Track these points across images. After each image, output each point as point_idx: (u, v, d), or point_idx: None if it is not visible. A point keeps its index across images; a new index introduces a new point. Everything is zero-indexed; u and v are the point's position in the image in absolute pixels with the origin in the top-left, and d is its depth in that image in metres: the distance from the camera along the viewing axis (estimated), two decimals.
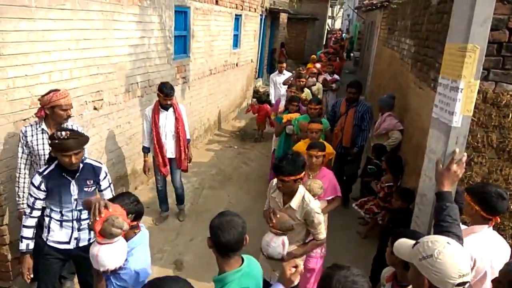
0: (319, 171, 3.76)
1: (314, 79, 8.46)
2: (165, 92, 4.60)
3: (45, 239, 2.94)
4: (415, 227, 2.27)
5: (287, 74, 8.50)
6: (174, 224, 5.13)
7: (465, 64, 1.95)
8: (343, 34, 26.66)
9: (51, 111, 3.26)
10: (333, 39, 24.50)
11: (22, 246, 2.82)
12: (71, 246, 2.94)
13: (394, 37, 7.51)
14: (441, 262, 1.41)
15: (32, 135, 3.30)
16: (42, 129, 3.31)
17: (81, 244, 2.97)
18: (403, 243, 1.65)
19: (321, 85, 8.46)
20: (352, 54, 23.53)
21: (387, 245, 2.29)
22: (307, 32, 21.45)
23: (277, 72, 8.77)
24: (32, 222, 2.86)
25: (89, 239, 3.00)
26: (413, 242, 1.60)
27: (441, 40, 3.97)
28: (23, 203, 3.36)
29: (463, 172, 2.06)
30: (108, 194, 3.02)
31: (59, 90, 3.29)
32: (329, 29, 29.11)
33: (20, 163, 3.34)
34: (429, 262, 1.43)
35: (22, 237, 2.84)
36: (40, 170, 2.83)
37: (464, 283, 1.39)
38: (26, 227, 2.85)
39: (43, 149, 3.30)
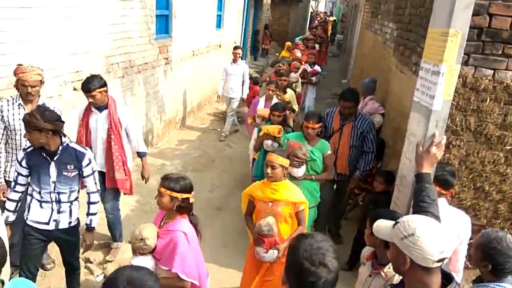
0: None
1: (297, 74, 7.54)
2: (84, 87, 3.53)
3: (25, 218, 2.93)
4: (394, 208, 2.34)
5: (241, 64, 7.71)
6: (156, 207, 5.11)
7: (447, 48, 1.99)
8: (326, 17, 26.48)
9: (17, 85, 3.22)
10: (316, 21, 24.38)
11: (2, 217, 2.78)
12: (50, 227, 2.93)
13: (377, 20, 7.53)
14: (422, 240, 1.46)
15: (9, 110, 3.25)
16: (19, 103, 3.26)
17: (60, 227, 2.95)
18: (383, 224, 1.70)
19: (299, 77, 7.55)
20: (336, 38, 23.51)
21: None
22: (291, 14, 21.25)
23: (230, 62, 7.72)
24: (15, 196, 2.91)
25: (70, 222, 2.98)
26: (393, 222, 1.65)
27: (423, 25, 4.01)
28: (1, 178, 3.33)
29: (442, 154, 2.12)
30: (90, 182, 2.99)
31: (22, 65, 3.19)
32: (312, 11, 28.91)
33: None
34: (411, 240, 1.48)
35: (4, 208, 2.88)
36: (25, 147, 2.85)
37: (443, 259, 1.45)
38: (9, 200, 2.92)
39: (19, 124, 3.22)
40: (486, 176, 3.60)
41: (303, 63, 8.40)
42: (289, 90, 5.99)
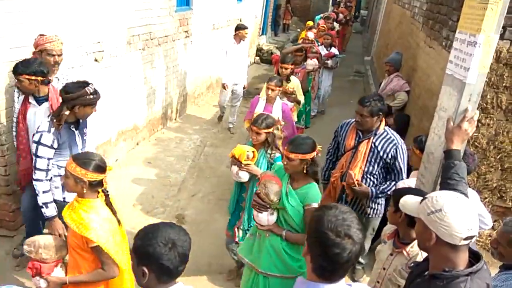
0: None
1: (315, 60, 6.29)
2: (13, 68, 3.04)
3: (62, 199, 2.87)
4: (419, 186, 2.26)
5: (245, 44, 6.61)
6: (175, 180, 5.17)
7: (485, 17, 1.85)
8: None
9: (40, 56, 3.16)
10: None
11: (51, 211, 2.75)
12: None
13: None
14: (450, 216, 1.41)
15: None
16: None
17: None
18: (410, 199, 1.64)
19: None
20: (359, 14, 22.74)
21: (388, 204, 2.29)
22: None
23: (232, 42, 6.43)
24: (48, 185, 2.78)
25: None
26: (420, 198, 1.59)
27: None
28: None
29: (473, 130, 2.01)
30: (89, 141, 3.03)
31: (46, 35, 3.17)
32: None
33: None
34: (438, 216, 1.43)
35: (46, 203, 2.75)
36: (46, 129, 2.68)
37: (471, 237, 1.40)
38: (45, 192, 2.75)
39: None
40: None
41: (317, 44, 7.08)
42: (293, 78, 4.97)
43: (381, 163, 3.06)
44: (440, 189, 1.92)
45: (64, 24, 3.87)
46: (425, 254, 1.69)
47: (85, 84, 2.71)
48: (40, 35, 3.19)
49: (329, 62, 7.29)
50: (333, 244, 1.27)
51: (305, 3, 20.38)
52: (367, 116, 2.97)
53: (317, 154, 2.50)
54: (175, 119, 7.06)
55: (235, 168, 3.05)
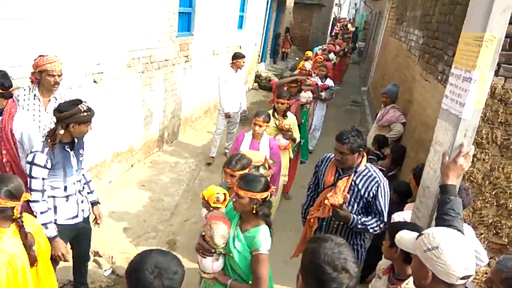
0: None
1: (309, 93, 6.16)
2: None
3: (54, 221, 2.81)
4: (415, 220, 2.23)
5: (242, 72, 6.58)
6: (168, 205, 5.10)
7: (481, 54, 1.88)
8: (348, 25, 26.14)
9: (40, 76, 3.19)
10: (336, 28, 24.13)
11: (50, 232, 2.69)
12: (79, 219, 2.95)
13: (402, 27, 7.39)
14: (447, 254, 1.38)
15: (24, 100, 3.23)
16: (34, 94, 3.24)
17: (85, 215, 3.02)
18: (406, 235, 1.62)
19: (311, 96, 6.27)
20: (357, 45, 23.29)
21: (383, 238, 2.25)
22: (313, 18, 21.15)
23: (229, 69, 6.28)
24: (45, 206, 2.72)
25: (88, 209, 3.08)
26: (416, 234, 1.56)
27: (451, 32, 3.88)
28: None
29: (469, 166, 2.01)
30: (84, 162, 3.05)
31: (46, 55, 3.19)
32: (335, 16, 28.76)
33: None
34: (434, 254, 1.40)
35: (45, 224, 2.67)
36: (39, 149, 2.66)
37: (468, 276, 1.36)
38: (43, 213, 2.69)
39: (33, 115, 3.22)
40: (510, 193, 3.45)
41: (313, 75, 7.27)
42: (289, 115, 4.73)
43: (361, 202, 2.80)
44: (436, 224, 1.89)
45: (63, 44, 3.91)
46: None
47: (78, 101, 2.69)
48: (40, 56, 3.20)
49: (323, 94, 7.21)
50: (330, 278, 1.23)
51: (304, 33, 20.87)
52: (347, 154, 2.72)
53: (271, 195, 2.31)
54: (171, 142, 7.05)
55: (204, 211, 2.80)
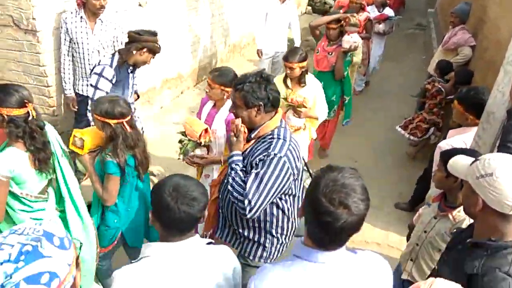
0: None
1: (355, 35, 4.19)
2: None
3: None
4: (475, 148, 2.03)
5: (290, 4, 5.22)
6: None
7: None
8: None
9: (81, 1, 3.22)
10: None
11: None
12: None
13: None
14: (502, 182, 1.23)
15: (72, 22, 3.30)
16: (81, 16, 3.30)
17: None
18: (460, 160, 1.46)
19: (359, 39, 4.33)
20: None
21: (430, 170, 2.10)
22: None
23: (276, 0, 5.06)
24: None
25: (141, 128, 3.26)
26: (472, 159, 1.40)
27: None
28: (70, 89, 3.48)
29: None
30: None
31: None
32: None
33: (63, 50, 3.39)
34: (487, 180, 1.26)
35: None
36: (108, 63, 2.82)
37: None
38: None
39: (81, 37, 3.32)
40: None
41: (366, 8, 5.69)
42: (310, 81, 3.41)
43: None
44: (498, 152, 1.70)
45: None
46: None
47: (156, 33, 2.92)
48: None
49: (381, 26, 5.87)
50: (324, 211, 1.10)
51: None
52: (239, 105, 1.94)
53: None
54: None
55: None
